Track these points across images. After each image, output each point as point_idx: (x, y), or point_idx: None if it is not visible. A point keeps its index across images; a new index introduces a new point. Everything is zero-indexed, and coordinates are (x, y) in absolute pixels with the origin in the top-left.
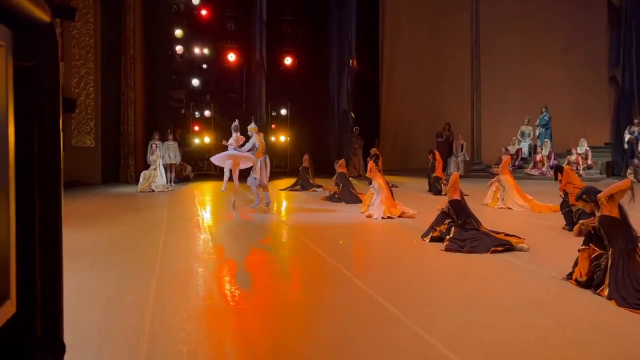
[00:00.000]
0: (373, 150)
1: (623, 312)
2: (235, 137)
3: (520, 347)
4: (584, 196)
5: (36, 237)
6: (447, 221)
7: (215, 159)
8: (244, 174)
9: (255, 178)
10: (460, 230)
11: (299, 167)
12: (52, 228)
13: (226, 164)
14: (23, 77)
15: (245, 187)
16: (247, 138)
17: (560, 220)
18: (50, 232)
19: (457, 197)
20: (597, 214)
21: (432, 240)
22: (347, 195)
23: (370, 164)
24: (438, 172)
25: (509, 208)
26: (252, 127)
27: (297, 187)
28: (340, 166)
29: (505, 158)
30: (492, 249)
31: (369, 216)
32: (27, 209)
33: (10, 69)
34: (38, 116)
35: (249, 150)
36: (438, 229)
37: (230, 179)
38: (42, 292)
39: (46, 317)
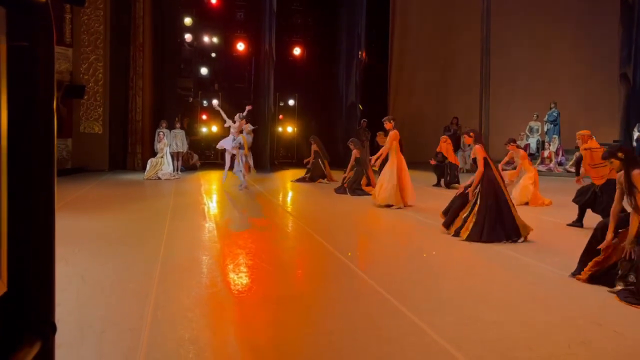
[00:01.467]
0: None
1: (625, 310)
2: (238, 125)
3: (522, 342)
4: (619, 153)
5: (29, 219)
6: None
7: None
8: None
9: (240, 170)
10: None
11: (309, 154)
12: (45, 210)
13: (228, 157)
14: (16, 57)
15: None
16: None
17: (565, 215)
18: (43, 214)
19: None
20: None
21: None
22: (355, 187)
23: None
24: (452, 158)
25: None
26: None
27: (306, 176)
28: (353, 144)
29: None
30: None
31: (388, 205)
32: (20, 189)
33: (3, 49)
34: (32, 99)
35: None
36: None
37: (231, 167)
38: (34, 272)
39: (37, 298)
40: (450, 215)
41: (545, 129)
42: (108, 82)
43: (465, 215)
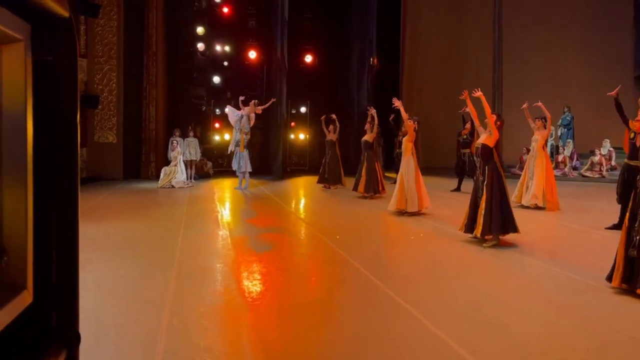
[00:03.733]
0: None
1: None
2: (250, 108)
3: (539, 348)
4: None
5: (53, 229)
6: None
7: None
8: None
9: (241, 166)
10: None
11: (320, 161)
12: (69, 220)
13: (237, 167)
14: (41, 72)
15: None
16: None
17: (580, 220)
18: (67, 224)
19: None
20: None
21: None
22: (371, 178)
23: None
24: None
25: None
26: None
27: (326, 177)
28: (368, 128)
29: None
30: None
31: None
32: (45, 201)
33: (29, 64)
34: (56, 111)
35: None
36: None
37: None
38: (58, 282)
39: (62, 308)
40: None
41: (559, 133)
42: (122, 92)
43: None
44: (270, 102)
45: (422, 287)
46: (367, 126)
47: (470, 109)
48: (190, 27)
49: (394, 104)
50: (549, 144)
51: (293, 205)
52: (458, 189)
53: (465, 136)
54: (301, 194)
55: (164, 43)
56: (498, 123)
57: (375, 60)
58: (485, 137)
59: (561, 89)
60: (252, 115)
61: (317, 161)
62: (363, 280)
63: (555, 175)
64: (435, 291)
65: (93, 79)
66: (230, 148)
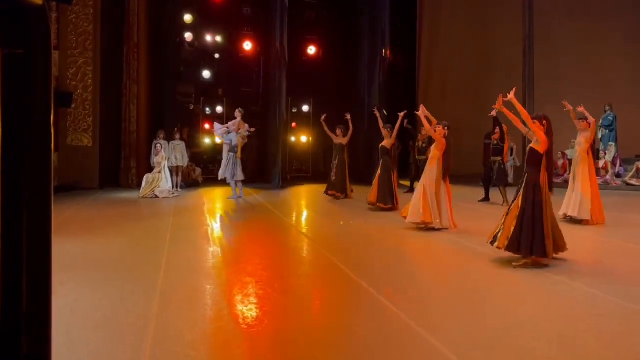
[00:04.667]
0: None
1: None
2: (238, 121)
3: None
4: None
5: (23, 244)
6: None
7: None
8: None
9: (234, 174)
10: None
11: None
12: (41, 236)
13: (230, 175)
14: (11, 65)
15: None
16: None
17: (624, 235)
18: (38, 241)
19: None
20: None
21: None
22: (384, 188)
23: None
24: (505, 156)
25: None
26: (240, 112)
27: (333, 185)
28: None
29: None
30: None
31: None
32: (14, 212)
33: None
34: (27, 111)
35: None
36: None
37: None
38: (29, 307)
39: (33, 335)
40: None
41: (600, 136)
42: (99, 89)
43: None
44: (253, 130)
45: (442, 311)
46: (384, 131)
47: (520, 110)
48: (176, 15)
49: (417, 113)
50: None
51: (294, 218)
52: (486, 199)
53: (495, 142)
54: (303, 204)
55: (146, 33)
56: (544, 122)
57: (388, 53)
58: (534, 142)
59: (602, 85)
60: (242, 131)
61: (321, 167)
62: (374, 304)
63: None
64: (458, 316)
65: (66, 74)
66: (217, 131)
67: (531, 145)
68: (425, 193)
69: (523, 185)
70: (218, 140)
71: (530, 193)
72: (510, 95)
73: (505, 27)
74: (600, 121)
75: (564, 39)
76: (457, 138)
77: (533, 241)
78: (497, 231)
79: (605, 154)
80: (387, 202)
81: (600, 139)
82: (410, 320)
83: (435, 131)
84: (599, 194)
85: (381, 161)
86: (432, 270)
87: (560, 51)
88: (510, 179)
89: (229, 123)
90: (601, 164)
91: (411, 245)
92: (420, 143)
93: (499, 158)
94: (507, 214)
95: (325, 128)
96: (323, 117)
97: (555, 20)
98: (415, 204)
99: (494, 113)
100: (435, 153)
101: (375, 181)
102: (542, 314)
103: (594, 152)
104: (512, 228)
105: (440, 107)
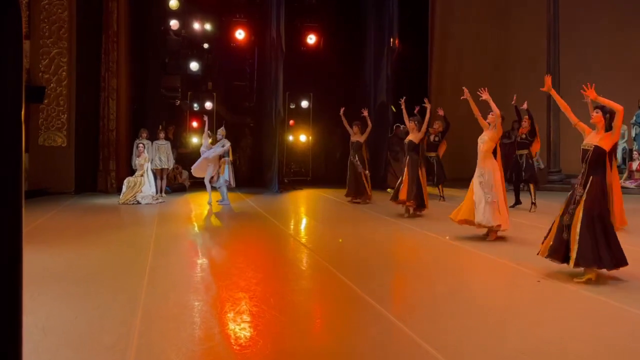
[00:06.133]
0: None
1: None
2: (211, 140)
3: None
4: None
5: None
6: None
7: (196, 169)
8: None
9: (226, 180)
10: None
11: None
12: (10, 243)
13: (207, 174)
14: None
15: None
16: (215, 141)
17: None
18: (7, 248)
19: None
20: None
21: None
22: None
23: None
24: (534, 149)
25: None
26: (222, 131)
27: (353, 189)
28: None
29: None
30: None
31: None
32: None
33: None
34: None
35: (221, 156)
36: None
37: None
38: None
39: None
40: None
41: (633, 134)
42: (74, 82)
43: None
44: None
45: (458, 330)
46: (411, 124)
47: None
48: (161, 0)
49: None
50: (620, 148)
51: (292, 226)
52: (517, 203)
53: (524, 135)
54: (302, 211)
55: (127, 20)
56: (607, 116)
57: (397, 42)
58: (598, 137)
59: (633, 78)
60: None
61: (323, 170)
62: (382, 323)
63: (628, 188)
64: (477, 337)
65: (37, 66)
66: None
67: (595, 142)
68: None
69: (586, 190)
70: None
71: (599, 196)
72: (548, 84)
73: (527, 15)
74: (634, 118)
75: (593, 29)
76: (471, 136)
77: (606, 251)
78: (553, 243)
79: (639, 154)
80: (419, 203)
81: (634, 137)
82: (423, 342)
83: (489, 122)
84: (621, 196)
85: (408, 158)
86: (443, 283)
87: (588, 42)
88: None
89: (219, 149)
90: (635, 165)
91: (425, 257)
92: (433, 137)
93: (525, 151)
94: (565, 224)
95: (345, 123)
96: (342, 111)
97: (583, 9)
98: (475, 204)
99: (515, 100)
100: (489, 145)
101: (405, 179)
102: (570, 334)
103: (629, 153)
104: (576, 243)
105: (454, 101)
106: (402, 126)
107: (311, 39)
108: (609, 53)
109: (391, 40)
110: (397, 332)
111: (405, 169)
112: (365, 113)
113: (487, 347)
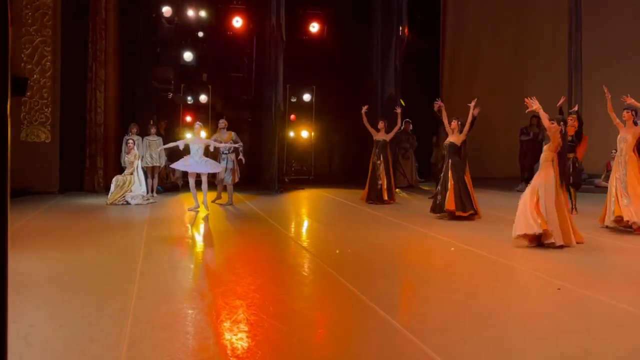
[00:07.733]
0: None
1: None
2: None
3: None
4: None
5: None
6: None
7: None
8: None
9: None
10: None
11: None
12: None
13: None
14: None
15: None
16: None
17: None
18: None
19: None
20: None
21: None
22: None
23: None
24: (580, 153)
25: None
26: (224, 123)
27: (374, 194)
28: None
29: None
30: None
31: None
32: None
33: None
34: None
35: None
36: None
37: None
38: None
39: None
40: None
41: None
42: (59, 73)
43: None
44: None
45: (472, 341)
46: (453, 124)
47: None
48: None
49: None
50: None
51: (293, 229)
52: (572, 208)
53: (570, 138)
54: (304, 213)
55: (116, 6)
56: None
57: (406, 32)
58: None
59: None
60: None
61: (326, 168)
62: (389, 332)
63: None
64: (492, 348)
65: (19, 56)
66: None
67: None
68: (538, 201)
69: None
70: (204, 134)
71: None
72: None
73: (547, 1)
74: None
75: (620, 15)
76: (487, 133)
77: None
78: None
79: None
80: (467, 208)
81: None
82: (434, 354)
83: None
84: None
85: (450, 161)
86: (455, 290)
87: (615, 30)
88: None
89: (222, 146)
90: None
91: (436, 263)
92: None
93: (572, 155)
94: None
95: (366, 122)
96: (364, 109)
97: None
98: (522, 212)
99: (562, 101)
100: (548, 154)
101: (450, 186)
102: (589, 345)
103: None
104: None
105: (468, 95)
106: (410, 122)
107: (314, 28)
108: (635, 43)
109: (400, 29)
110: (405, 342)
111: (449, 174)
112: (399, 110)
113: (500, 355)
